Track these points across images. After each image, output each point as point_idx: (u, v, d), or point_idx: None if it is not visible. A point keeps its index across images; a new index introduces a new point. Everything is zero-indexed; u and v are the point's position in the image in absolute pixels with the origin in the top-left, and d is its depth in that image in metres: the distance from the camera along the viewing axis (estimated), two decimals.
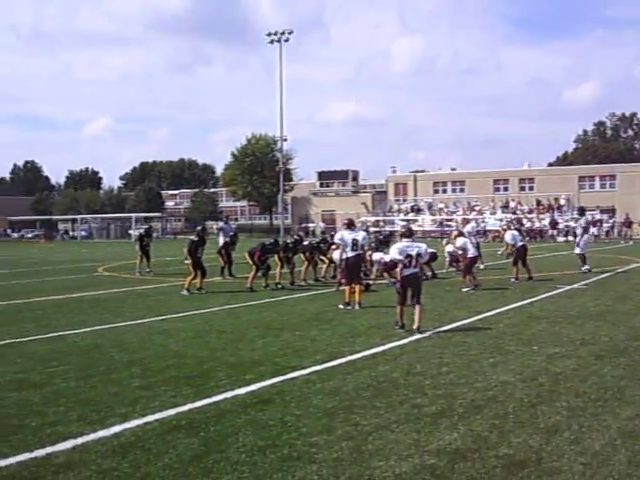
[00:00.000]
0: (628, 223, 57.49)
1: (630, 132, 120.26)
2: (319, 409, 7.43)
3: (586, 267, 23.14)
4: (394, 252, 12.64)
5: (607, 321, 13.14)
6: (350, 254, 15.88)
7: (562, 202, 67.42)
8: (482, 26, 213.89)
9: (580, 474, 5.54)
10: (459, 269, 21.09)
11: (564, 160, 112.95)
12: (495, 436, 6.48)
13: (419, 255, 12.33)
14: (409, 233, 13.06)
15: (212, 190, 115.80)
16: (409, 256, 12.21)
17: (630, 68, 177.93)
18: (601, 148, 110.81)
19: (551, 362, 9.61)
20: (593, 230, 57.33)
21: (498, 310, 14.70)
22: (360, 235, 16.48)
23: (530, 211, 67.05)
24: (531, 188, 75.09)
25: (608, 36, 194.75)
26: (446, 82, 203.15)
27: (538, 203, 68.66)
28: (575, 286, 19.20)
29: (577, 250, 23.88)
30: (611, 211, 65.24)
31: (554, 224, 61.01)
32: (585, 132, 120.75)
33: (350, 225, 16.85)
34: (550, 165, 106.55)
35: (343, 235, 16.15)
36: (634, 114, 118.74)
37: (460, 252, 19.78)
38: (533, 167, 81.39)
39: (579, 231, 24.76)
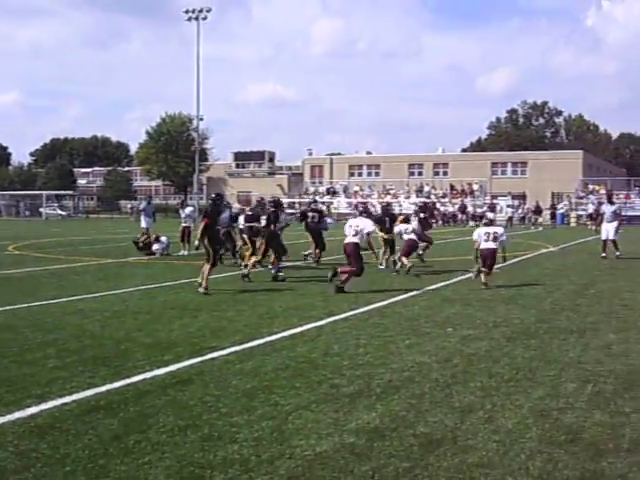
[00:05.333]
0: (538, 210, 59.02)
1: (541, 120, 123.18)
2: (239, 389, 7.44)
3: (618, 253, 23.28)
4: (475, 235, 16.31)
5: (518, 304, 13.51)
6: None
7: (475, 187, 68.86)
8: (404, 10, 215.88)
9: (494, 451, 5.71)
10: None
11: (477, 146, 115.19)
12: (412, 415, 6.62)
13: (496, 233, 15.89)
14: (490, 223, 16.85)
15: (126, 169, 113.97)
16: (488, 233, 15.87)
17: (543, 57, 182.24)
18: (513, 135, 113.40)
19: (465, 344, 9.85)
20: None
21: (413, 293, 14.93)
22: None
23: (444, 196, 68.22)
24: (445, 173, 76.41)
25: (524, 25, 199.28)
26: (365, 66, 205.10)
27: (452, 188, 69.92)
28: None
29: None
30: (522, 197, 66.88)
31: (463, 209, 62.28)
32: (498, 119, 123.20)
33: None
34: (464, 151, 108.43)
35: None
36: (545, 103, 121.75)
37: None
38: (447, 152, 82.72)
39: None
